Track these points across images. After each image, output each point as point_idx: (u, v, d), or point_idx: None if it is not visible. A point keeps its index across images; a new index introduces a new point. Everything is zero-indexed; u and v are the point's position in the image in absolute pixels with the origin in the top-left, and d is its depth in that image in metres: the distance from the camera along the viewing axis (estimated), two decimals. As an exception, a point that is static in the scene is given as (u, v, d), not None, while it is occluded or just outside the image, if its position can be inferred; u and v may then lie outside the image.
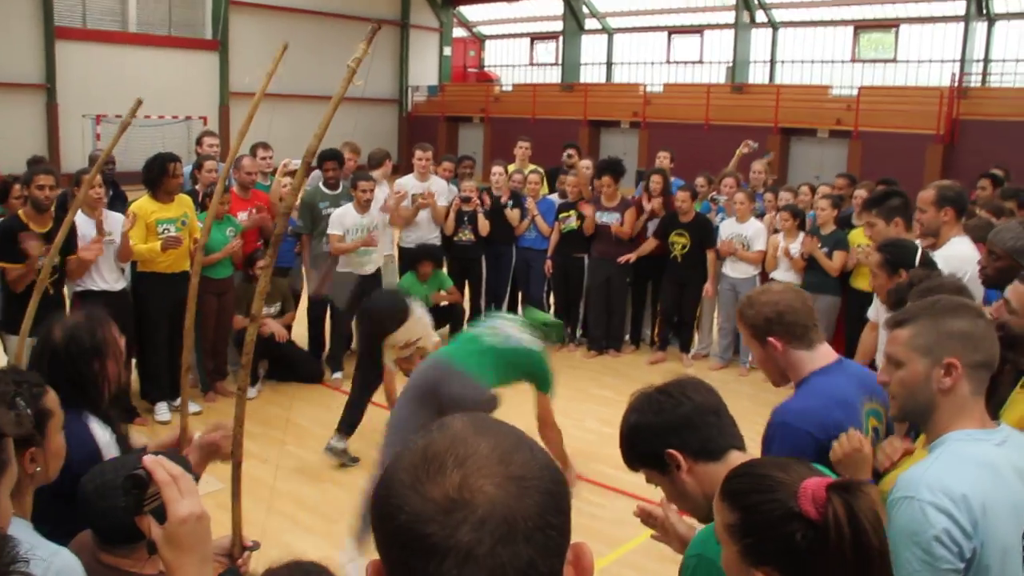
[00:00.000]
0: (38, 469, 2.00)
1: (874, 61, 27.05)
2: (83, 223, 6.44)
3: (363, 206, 7.87)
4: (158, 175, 6.90)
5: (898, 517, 2.02)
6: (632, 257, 8.77)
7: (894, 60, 26.56)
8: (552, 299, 9.63)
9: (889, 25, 26.80)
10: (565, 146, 10.71)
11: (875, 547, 1.51)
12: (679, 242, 8.70)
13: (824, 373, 2.74)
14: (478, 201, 9.04)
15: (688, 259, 8.71)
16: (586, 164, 9.70)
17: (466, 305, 9.45)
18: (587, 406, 7.71)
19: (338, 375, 8.27)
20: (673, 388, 2.20)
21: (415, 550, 0.95)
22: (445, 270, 9.02)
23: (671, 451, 2.12)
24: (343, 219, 7.89)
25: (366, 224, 7.92)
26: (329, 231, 7.87)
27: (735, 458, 2.07)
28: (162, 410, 7.13)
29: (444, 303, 8.70)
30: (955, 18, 24.43)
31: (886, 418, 2.79)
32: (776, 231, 8.42)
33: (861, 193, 8.07)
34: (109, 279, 6.71)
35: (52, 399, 2.22)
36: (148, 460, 1.49)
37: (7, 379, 2.09)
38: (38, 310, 5.12)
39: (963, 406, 2.17)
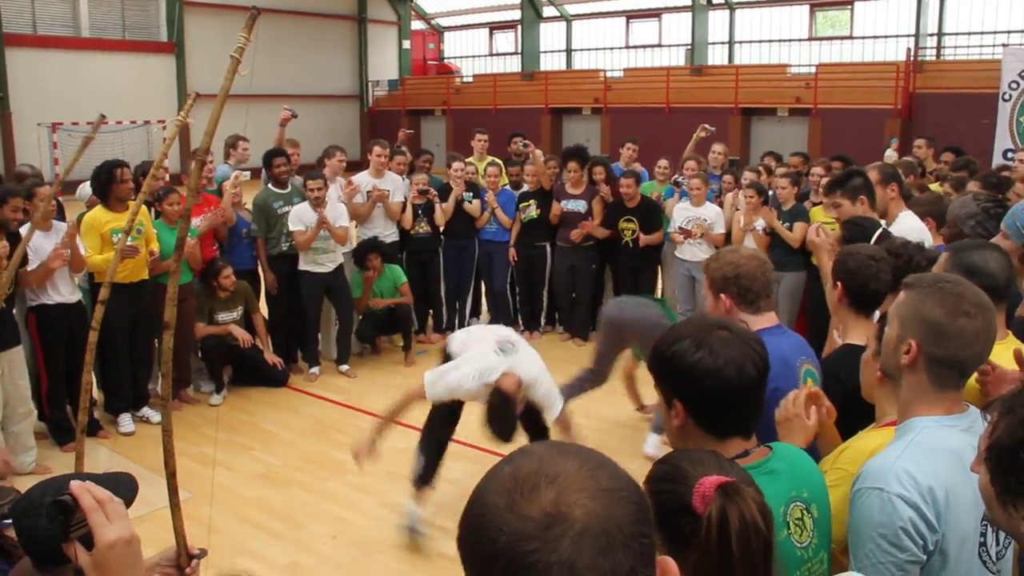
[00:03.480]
0: None
1: (831, 39, 27.20)
2: (35, 237, 6.34)
3: (316, 203, 7.90)
4: (106, 182, 6.81)
5: (864, 508, 2.01)
6: (580, 234, 8.85)
7: (850, 37, 26.72)
8: (517, 289, 9.63)
9: (844, 2, 26.95)
10: (510, 136, 10.71)
11: (736, 556, 1.53)
12: (628, 228, 8.80)
13: (766, 333, 2.84)
14: (435, 192, 9.04)
15: (638, 245, 8.78)
16: (539, 153, 9.71)
17: (425, 297, 9.41)
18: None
19: (315, 370, 8.35)
20: (718, 355, 2.00)
21: (518, 569, 0.96)
22: (403, 265, 9.00)
23: (677, 402, 2.04)
24: (302, 216, 7.93)
25: (316, 217, 7.96)
26: (291, 227, 7.93)
27: (735, 445, 2.03)
28: (125, 421, 7.05)
29: (392, 305, 8.73)
30: (908, -7, 24.63)
31: (821, 380, 2.94)
32: (736, 210, 8.46)
33: (818, 171, 8.13)
34: (64, 291, 6.61)
35: None
36: (75, 485, 1.47)
37: None
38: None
39: (925, 391, 2.15)
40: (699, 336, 2.01)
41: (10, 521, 2.68)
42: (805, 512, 2.01)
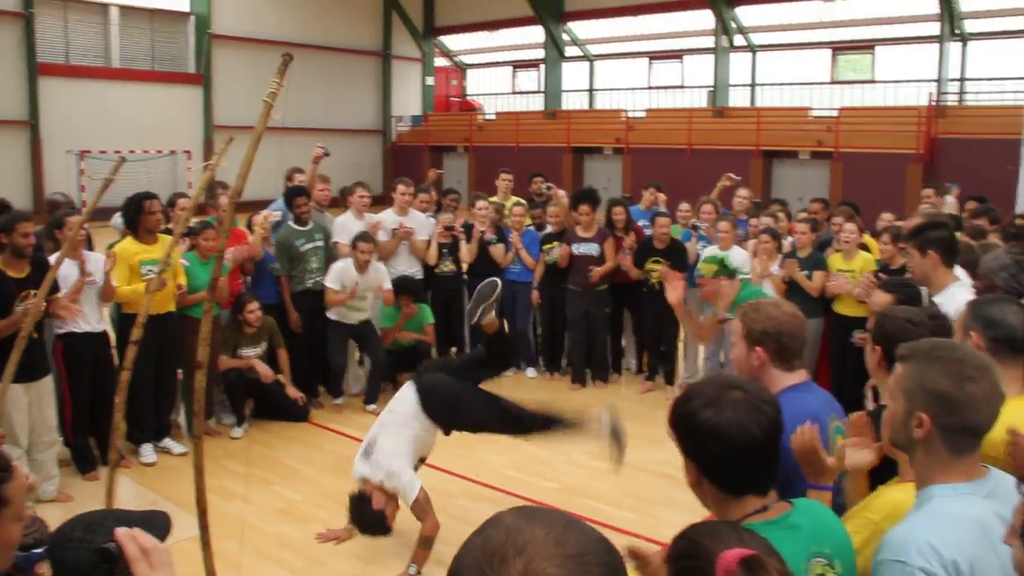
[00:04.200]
0: None
1: (852, 82, 27.26)
2: (64, 265, 6.42)
3: (362, 267, 8.02)
4: (135, 215, 6.90)
5: None
6: (598, 275, 8.82)
7: (872, 81, 26.78)
8: (539, 330, 9.64)
9: (866, 47, 27.04)
10: (531, 176, 10.76)
11: None
12: (655, 269, 8.72)
13: (795, 390, 2.88)
14: (462, 229, 9.10)
15: (664, 286, 8.74)
16: (563, 194, 9.74)
17: (448, 336, 9.45)
18: (575, 439, 7.67)
19: (339, 400, 8.46)
20: (739, 413, 2.04)
21: None
22: (428, 302, 9.05)
23: (691, 461, 2.09)
24: (343, 275, 8.03)
25: (364, 285, 8.11)
26: (327, 283, 8.03)
27: (750, 503, 2.06)
28: (147, 451, 7.09)
29: (414, 340, 8.75)
30: (930, 39, 24.64)
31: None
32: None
33: (839, 220, 8.12)
34: (92, 320, 6.69)
35: (14, 488, 2.05)
36: (120, 533, 1.49)
37: None
38: (23, 354, 5.12)
39: (940, 461, 2.13)
40: (712, 396, 2.06)
41: (39, 552, 2.71)
42: (828, 567, 2.02)
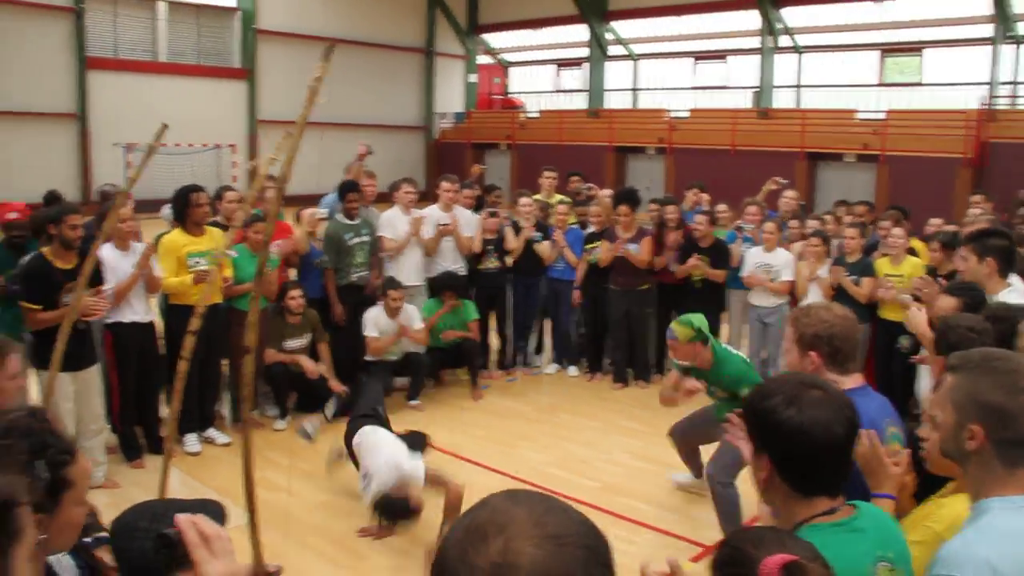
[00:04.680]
0: (42, 538, 1.86)
1: (900, 85, 26.91)
2: (111, 256, 6.50)
3: (392, 312, 8.12)
4: (183, 207, 6.98)
5: None
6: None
7: (920, 84, 26.41)
8: (582, 329, 9.61)
9: (914, 49, 26.67)
10: (569, 175, 10.75)
11: None
12: (697, 267, 8.67)
13: (851, 395, 2.78)
14: (506, 216, 9.18)
15: (708, 286, 8.69)
16: (606, 193, 9.70)
17: (492, 333, 9.48)
18: (615, 438, 7.67)
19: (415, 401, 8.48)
20: (819, 411, 2.03)
21: None
22: (473, 299, 9.07)
23: (765, 456, 2.08)
24: (377, 321, 8.16)
25: (395, 327, 8.21)
26: (365, 333, 8.17)
27: (820, 504, 2.04)
28: (191, 441, 7.16)
29: (458, 338, 8.74)
30: (981, 41, 24.24)
31: (908, 441, 2.88)
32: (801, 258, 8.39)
33: (887, 224, 8.01)
34: (139, 310, 6.78)
35: (78, 470, 2.07)
36: (181, 520, 1.49)
37: (34, 439, 1.99)
38: (70, 343, 5.18)
39: (994, 474, 2.06)
40: (791, 394, 2.04)
41: (101, 537, 2.75)
42: (892, 573, 2.00)
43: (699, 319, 5.57)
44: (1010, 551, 1.92)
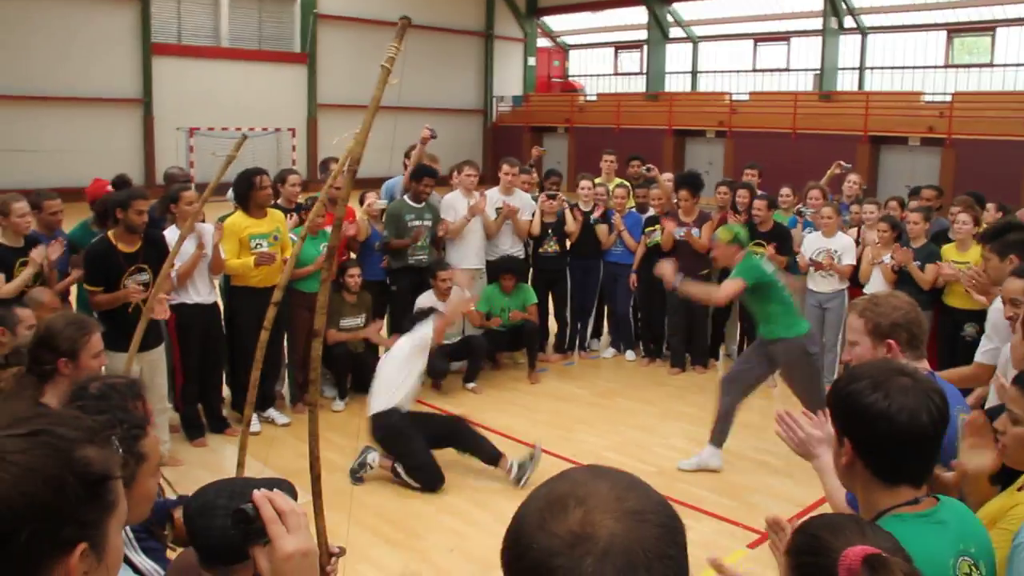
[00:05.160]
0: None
1: (969, 66, 26.28)
2: (176, 238, 6.58)
3: (443, 294, 8.07)
4: (246, 190, 7.06)
5: None
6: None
7: (990, 65, 25.76)
8: (639, 314, 9.56)
9: (985, 28, 26.00)
10: (629, 159, 10.66)
11: None
12: (758, 252, 8.54)
13: None
14: (564, 199, 9.16)
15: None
16: (667, 177, 9.62)
17: (551, 317, 9.48)
18: (673, 424, 7.64)
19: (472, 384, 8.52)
20: (907, 398, 1.99)
21: None
22: (530, 282, 9.06)
23: (847, 441, 2.04)
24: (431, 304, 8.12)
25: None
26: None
27: (903, 493, 2.01)
28: (252, 421, 7.26)
29: (520, 320, 8.72)
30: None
31: None
32: (863, 244, 8.25)
33: (956, 210, 7.81)
34: (203, 292, 6.87)
35: (150, 443, 2.24)
36: (257, 495, 1.52)
37: (110, 416, 2.12)
38: (130, 325, 5.30)
39: None
40: (879, 379, 2.00)
41: (173, 500, 2.82)
42: (974, 568, 1.95)
43: (740, 228, 6.90)
44: None
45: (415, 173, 8.41)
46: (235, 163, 4.80)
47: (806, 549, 1.69)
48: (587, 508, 1.06)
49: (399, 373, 6.44)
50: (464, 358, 8.55)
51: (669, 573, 1.05)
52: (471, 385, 8.39)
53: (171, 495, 3.57)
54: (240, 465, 4.07)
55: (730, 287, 6.44)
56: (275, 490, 1.54)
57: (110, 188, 7.28)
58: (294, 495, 2.07)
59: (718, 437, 6.61)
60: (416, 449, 6.25)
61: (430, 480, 6.18)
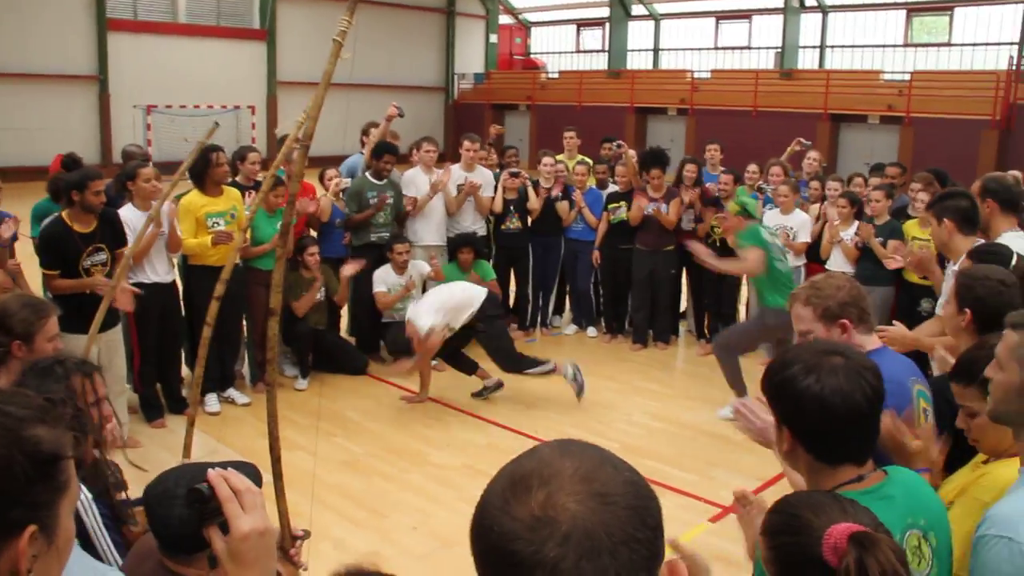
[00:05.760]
0: None
1: (927, 45, 26.53)
2: (132, 216, 6.47)
3: (400, 267, 8.10)
4: (203, 167, 6.94)
5: (991, 557, 1.89)
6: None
7: (948, 44, 26.01)
8: (600, 290, 9.57)
9: (944, 8, 26.23)
10: (603, 140, 10.65)
11: None
12: (718, 226, 8.59)
13: (875, 355, 2.72)
14: (527, 177, 9.12)
15: (726, 245, 8.62)
16: (632, 154, 9.61)
17: (512, 293, 9.45)
18: (635, 400, 7.66)
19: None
20: (847, 373, 1.97)
21: (506, 566, 1.01)
22: (492, 260, 9.02)
23: (786, 428, 2.03)
24: (385, 278, 8.14)
25: (403, 281, 8.16)
26: (375, 289, 8.11)
27: (846, 472, 1.99)
28: (211, 401, 7.20)
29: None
30: (1014, -1, 23.84)
31: (933, 401, 2.83)
32: (824, 221, 8.31)
33: (917, 186, 7.87)
34: (160, 271, 6.77)
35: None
36: (212, 474, 1.49)
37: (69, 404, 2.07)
38: (90, 305, 5.21)
39: None
40: (810, 362, 1.98)
41: (127, 501, 2.77)
42: (923, 540, 1.94)
43: (750, 201, 7.29)
44: None
45: (376, 150, 8.34)
46: (192, 142, 4.74)
47: (785, 528, 1.64)
48: (550, 490, 1.02)
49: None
50: None
51: (636, 557, 1.00)
52: (433, 362, 8.34)
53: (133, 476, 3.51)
54: (187, 447, 4.00)
55: (754, 255, 6.73)
56: (229, 468, 1.51)
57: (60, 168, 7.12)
58: (258, 479, 2.02)
59: (740, 389, 6.91)
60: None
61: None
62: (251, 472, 2.07)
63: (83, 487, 2.42)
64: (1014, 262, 3.78)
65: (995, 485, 2.21)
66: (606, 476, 1.04)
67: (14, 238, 6.40)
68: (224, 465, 1.78)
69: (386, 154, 8.32)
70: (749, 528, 2.29)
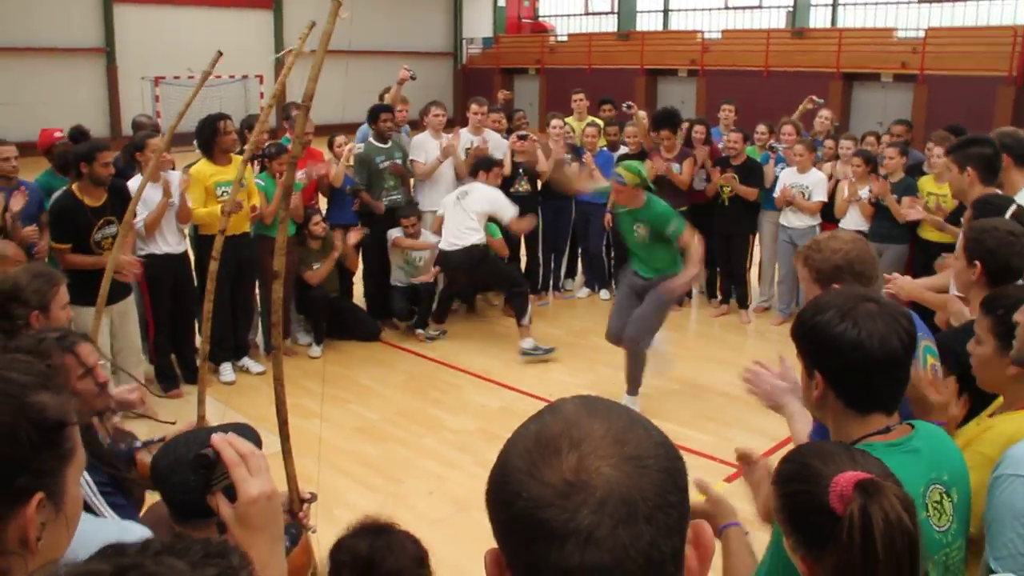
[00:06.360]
0: None
1: (942, 1, 26.15)
2: (146, 188, 6.44)
3: (411, 236, 8.18)
4: (210, 135, 6.92)
5: (1007, 495, 1.91)
6: (659, 167, 8.61)
7: (963, -1, 25.65)
8: (612, 252, 9.52)
9: (958, -38, 25.84)
10: (601, 102, 10.56)
11: (881, 557, 1.48)
12: (728, 185, 8.55)
13: None
14: (535, 139, 9.05)
15: (735, 204, 8.56)
16: (643, 115, 9.52)
17: (523, 257, 9.41)
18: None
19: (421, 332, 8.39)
20: (873, 324, 1.94)
21: (535, 536, 0.94)
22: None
23: (818, 374, 2.01)
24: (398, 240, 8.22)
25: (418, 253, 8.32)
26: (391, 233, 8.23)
27: (875, 421, 1.98)
28: (226, 371, 7.23)
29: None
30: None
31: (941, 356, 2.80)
32: (836, 179, 8.25)
33: (932, 144, 7.79)
34: (172, 242, 6.77)
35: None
36: (216, 439, 1.47)
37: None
38: (96, 279, 5.19)
39: None
40: (845, 308, 1.95)
41: (139, 443, 2.78)
42: (945, 496, 1.92)
43: (642, 167, 6.67)
44: None
45: (370, 113, 8.32)
46: (204, 111, 4.66)
47: (795, 476, 1.65)
48: (582, 453, 0.96)
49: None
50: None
51: (671, 521, 0.96)
52: (420, 332, 8.30)
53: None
54: (201, 418, 4.02)
55: (694, 238, 6.44)
56: (230, 433, 1.50)
57: (65, 139, 7.07)
58: (257, 440, 2.02)
59: (636, 387, 6.71)
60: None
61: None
62: (249, 434, 2.07)
63: None
64: (1011, 210, 3.75)
65: (998, 440, 2.20)
66: (638, 438, 0.99)
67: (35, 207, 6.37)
68: (224, 428, 1.77)
69: (382, 114, 8.28)
70: (756, 488, 2.29)
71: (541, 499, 0.94)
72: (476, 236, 7.83)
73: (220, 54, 4.81)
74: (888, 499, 1.50)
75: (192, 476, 1.48)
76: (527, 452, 0.98)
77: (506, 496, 0.97)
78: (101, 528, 1.62)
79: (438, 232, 8.09)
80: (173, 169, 6.91)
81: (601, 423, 0.99)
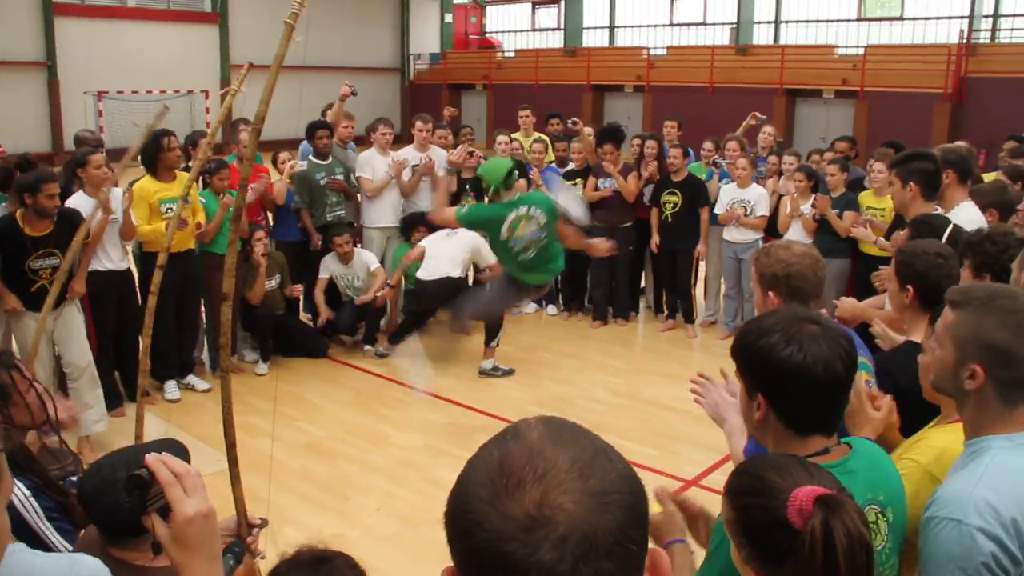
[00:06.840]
0: None
1: (880, 19, 26.71)
2: (83, 203, 6.34)
3: (345, 258, 8.10)
4: (154, 152, 6.84)
5: (941, 539, 1.87)
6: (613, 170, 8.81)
7: (900, 18, 26.22)
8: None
9: (896, -18, 26.43)
10: (548, 117, 10.64)
11: (842, 571, 1.48)
12: (670, 201, 8.62)
13: None
14: (482, 155, 9.08)
15: (678, 221, 8.62)
16: (588, 131, 9.60)
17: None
18: (596, 376, 7.70)
19: (358, 337, 8.47)
20: (814, 345, 1.94)
21: (496, 568, 0.94)
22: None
23: (760, 396, 2.00)
24: (331, 266, 8.17)
25: (348, 272, 8.21)
26: (320, 275, 8.17)
27: (815, 443, 1.98)
28: (171, 388, 7.13)
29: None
30: (963, -27, 24.07)
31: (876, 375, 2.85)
32: (779, 195, 8.38)
33: (878, 166, 7.91)
34: (114, 258, 6.67)
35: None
36: (150, 459, 1.46)
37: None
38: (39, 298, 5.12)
39: (993, 412, 2.00)
40: (790, 331, 1.95)
41: (74, 479, 2.72)
42: (880, 516, 1.95)
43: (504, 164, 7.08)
44: (1011, 491, 1.87)
45: (307, 130, 8.30)
46: (142, 127, 4.65)
47: (749, 489, 1.63)
48: (545, 487, 0.95)
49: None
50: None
51: (631, 556, 0.96)
52: (368, 348, 8.28)
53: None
54: (138, 438, 3.96)
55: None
56: (164, 453, 1.49)
57: (3, 152, 6.93)
58: (186, 456, 2.00)
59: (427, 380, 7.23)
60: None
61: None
62: (176, 448, 2.04)
63: (18, 483, 2.34)
64: (948, 231, 3.83)
65: (930, 450, 2.23)
66: (603, 471, 0.99)
67: None
68: (152, 447, 1.75)
69: (318, 130, 8.26)
70: (692, 521, 2.29)
71: (503, 533, 0.94)
72: (456, 271, 7.86)
73: (166, 108, 4.81)
74: (849, 514, 1.50)
75: (126, 497, 1.46)
76: (490, 481, 0.98)
77: (467, 525, 0.97)
78: (54, 565, 1.58)
79: (420, 259, 8.06)
80: (116, 186, 6.81)
81: (566, 453, 0.99)
